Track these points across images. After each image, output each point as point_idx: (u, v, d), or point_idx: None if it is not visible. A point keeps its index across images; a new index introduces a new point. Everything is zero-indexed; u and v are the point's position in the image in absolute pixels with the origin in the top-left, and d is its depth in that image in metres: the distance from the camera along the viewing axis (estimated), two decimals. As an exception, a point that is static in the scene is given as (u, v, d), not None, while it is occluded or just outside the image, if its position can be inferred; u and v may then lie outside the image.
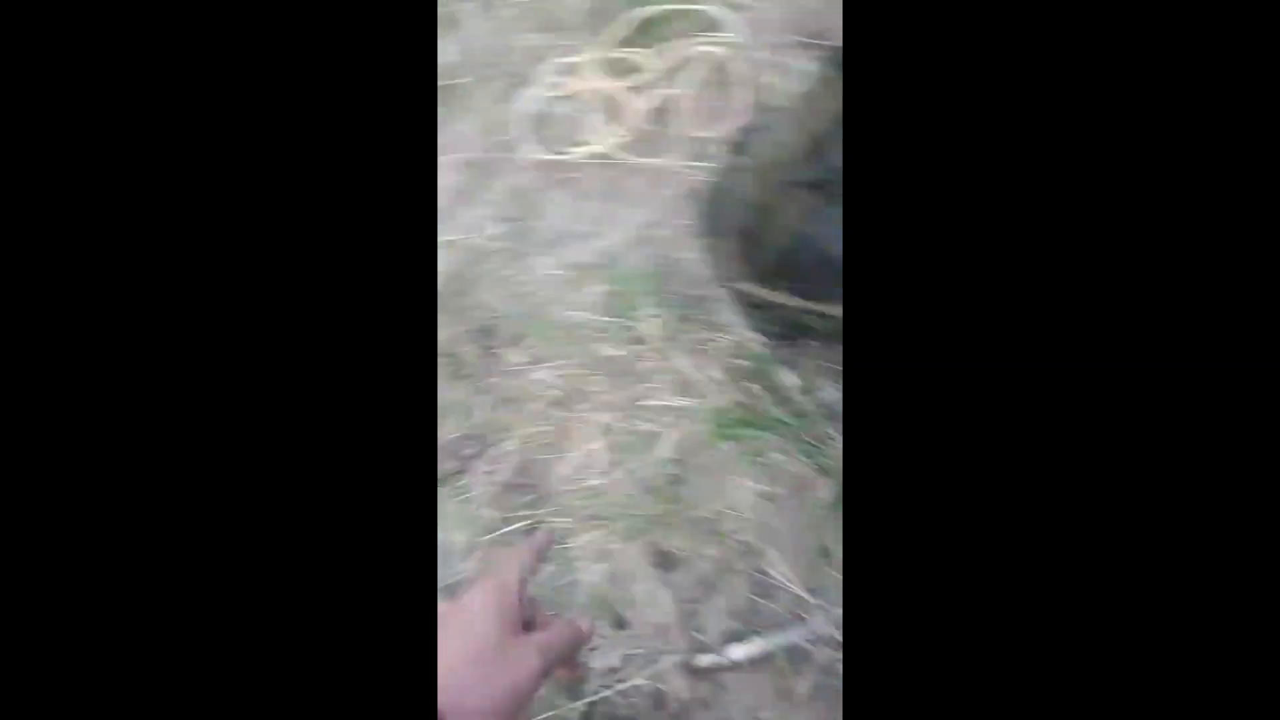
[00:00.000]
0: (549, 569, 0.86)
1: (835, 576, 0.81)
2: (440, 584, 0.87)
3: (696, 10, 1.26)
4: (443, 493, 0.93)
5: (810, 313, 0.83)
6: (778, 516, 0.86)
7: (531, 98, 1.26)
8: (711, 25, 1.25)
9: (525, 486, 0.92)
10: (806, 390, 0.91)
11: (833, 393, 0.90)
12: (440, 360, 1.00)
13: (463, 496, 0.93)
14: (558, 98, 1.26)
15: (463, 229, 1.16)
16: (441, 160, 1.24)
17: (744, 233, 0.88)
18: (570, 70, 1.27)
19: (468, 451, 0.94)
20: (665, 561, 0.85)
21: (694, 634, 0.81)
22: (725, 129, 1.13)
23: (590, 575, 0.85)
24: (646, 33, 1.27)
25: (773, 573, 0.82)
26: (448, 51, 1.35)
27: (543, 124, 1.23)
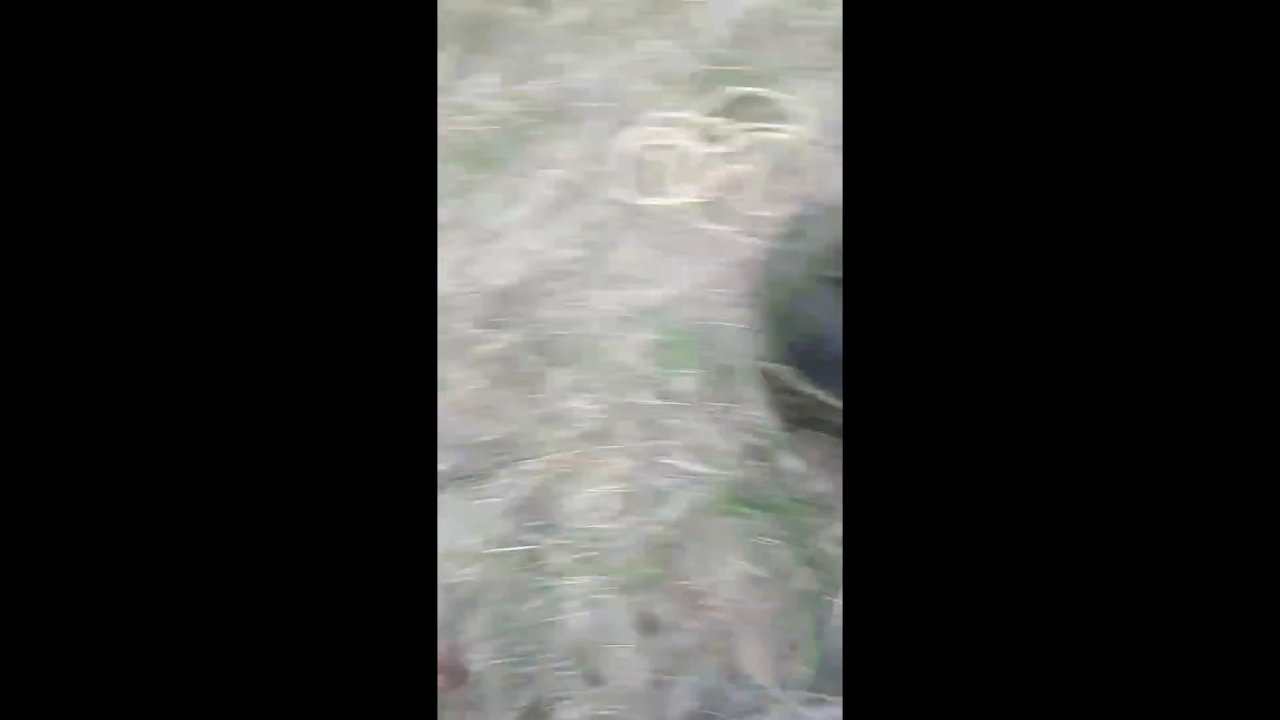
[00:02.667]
0: (537, 602, 0.83)
1: (803, 670, 0.77)
2: (441, 582, 0.85)
3: (782, 99, 1.28)
4: (463, 493, 0.92)
5: (825, 405, 0.81)
6: (758, 601, 0.82)
7: (630, 140, 1.26)
8: (790, 116, 1.26)
9: (537, 511, 0.91)
10: (806, 479, 0.88)
11: (828, 487, 0.86)
12: (492, 362, 1.00)
13: (480, 500, 0.92)
14: (652, 146, 1.26)
15: (543, 241, 1.16)
16: (542, 172, 1.26)
17: (779, 315, 0.89)
18: (668, 124, 1.27)
19: (503, 456, 0.94)
20: (649, 626, 0.81)
21: (660, 708, 0.77)
22: (782, 212, 1.12)
23: (576, 620, 0.82)
24: (736, 109, 1.28)
25: (743, 659, 0.79)
26: (577, 77, 1.37)
27: (632, 167, 1.24)
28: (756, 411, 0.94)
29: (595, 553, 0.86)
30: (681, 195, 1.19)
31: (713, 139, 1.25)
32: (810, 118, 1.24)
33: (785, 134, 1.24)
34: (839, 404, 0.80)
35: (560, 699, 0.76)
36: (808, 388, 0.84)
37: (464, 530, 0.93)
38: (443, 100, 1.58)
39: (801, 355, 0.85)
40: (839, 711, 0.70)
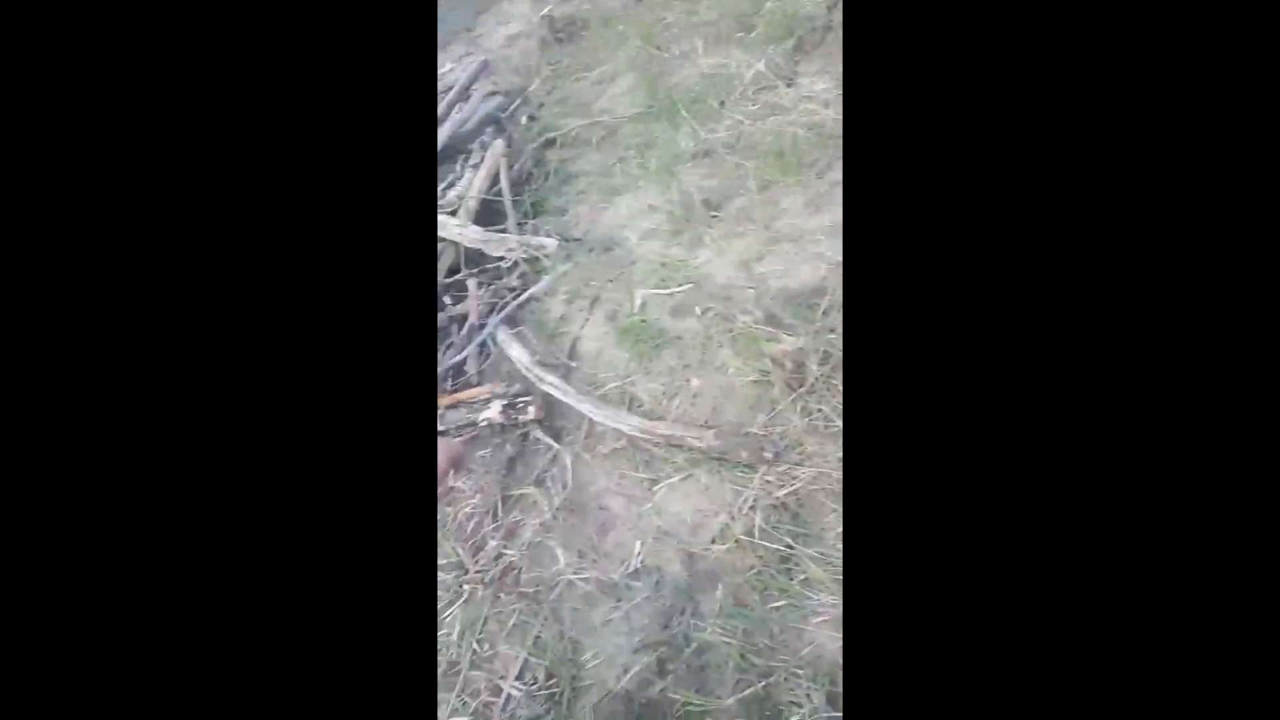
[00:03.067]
0: (779, 603, 0.84)
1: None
2: (682, 549, 0.89)
3: None
4: (722, 472, 0.96)
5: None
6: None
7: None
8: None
9: (796, 516, 0.91)
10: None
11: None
12: (787, 364, 1.02)
13: (739, 488, 0.95)
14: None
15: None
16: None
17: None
18: None
19: (767, 453, 0.95)
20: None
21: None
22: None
23: (824, 638, 0.81)
24: None
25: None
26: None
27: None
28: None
29: (853, 579, 0.84)
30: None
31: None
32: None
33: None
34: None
35: (794, 704, 0.76)
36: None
37: (715, 507, 0.97)
38: (758, 98, 1.63)
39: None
40: None
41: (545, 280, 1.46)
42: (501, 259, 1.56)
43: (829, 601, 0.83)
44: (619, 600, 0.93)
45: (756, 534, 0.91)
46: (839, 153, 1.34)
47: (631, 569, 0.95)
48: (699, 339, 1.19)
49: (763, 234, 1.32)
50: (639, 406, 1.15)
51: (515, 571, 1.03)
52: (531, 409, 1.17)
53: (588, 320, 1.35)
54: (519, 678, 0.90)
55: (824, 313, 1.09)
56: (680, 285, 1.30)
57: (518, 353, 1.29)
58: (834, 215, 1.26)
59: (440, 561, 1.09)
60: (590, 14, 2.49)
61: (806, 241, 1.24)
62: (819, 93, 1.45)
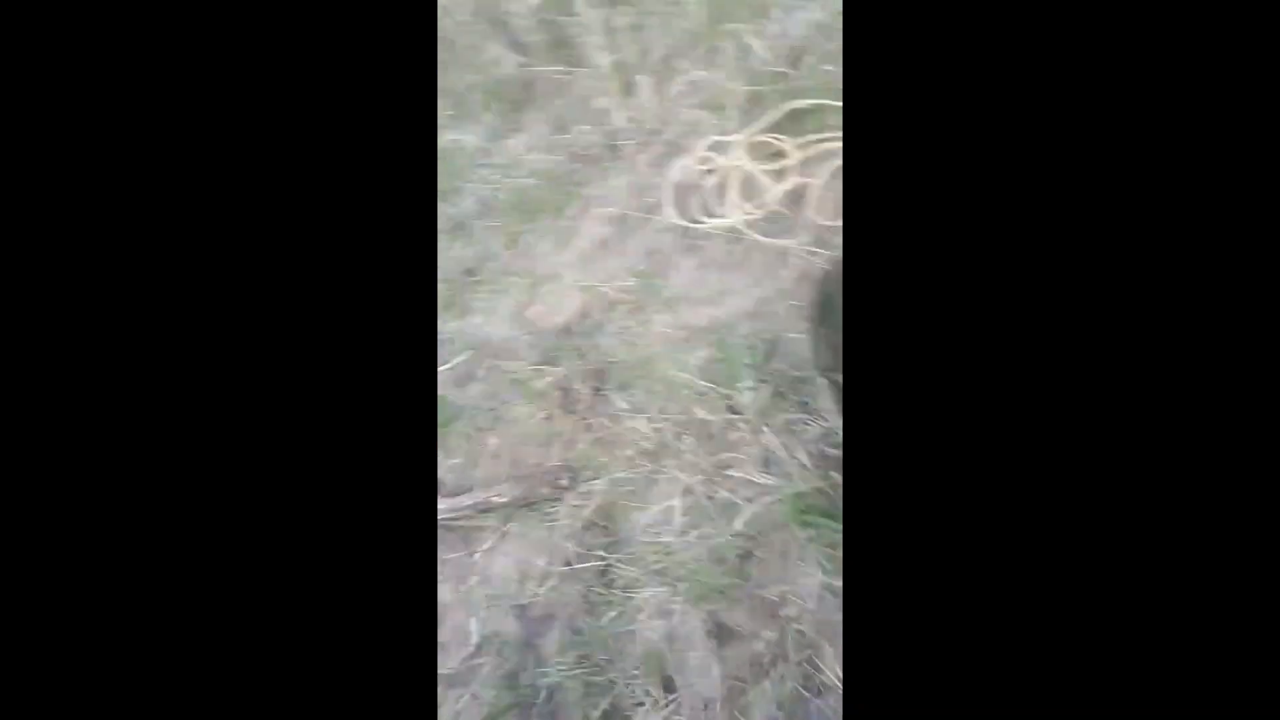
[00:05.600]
0: (610, 614, 0.91)
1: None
2: (515, 601, 0.94)
3: (837, 107, 1.37)
4: (532, 517, 1.03)
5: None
6: (839, 612, 0.86)
7: (682, 167, 1.40)
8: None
9: (604, 528, 0.99)
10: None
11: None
12: (556, 393, 1.12)
13: (549, 524, 1.02)
14: (705, 170, 1.39)
15: (599, 276, 1.30)
16: (593, 211, 1.40)
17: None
18: (721, 148, 1.40)
19: (563, 481, 1.04)
20: (721, 634, 0.87)
21: (737, 715, 0.82)
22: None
23: (648, 630, 0.89)
24: (793, 123, 1.38)
25: (825, 669, 0.82)
26: (617, 117, 1.54)
27: (686, 192, 1.36)
28: (830, 423, 1.00)
29: (665, 564, 0.94)
30: (741, 213, 1.29)
31: (772, 155, 1.35)
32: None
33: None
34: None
35: (638, 705, 0.82)
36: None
37: (534, 551, 1.03)
38: (488, 161, 1.79)
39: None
40: None
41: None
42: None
43: (646, 595, 0.91)
44: (466, 686, 0.95)
45: (574, 560, 0.98)
46: (570, 189, 1.52)
47: (470, 649, 0.98)
48: (487, 399, 1.26)
49: (524, 283, 1.44)
50: (444, 489, 1.19)
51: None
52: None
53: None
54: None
55: (586, 337, 1.22)
56: (460, 355, 1.38)
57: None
58: (579, 244, 1.41)
59: None
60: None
61: (563, 274, 1.38)
62: (532, 140, 1.63)
